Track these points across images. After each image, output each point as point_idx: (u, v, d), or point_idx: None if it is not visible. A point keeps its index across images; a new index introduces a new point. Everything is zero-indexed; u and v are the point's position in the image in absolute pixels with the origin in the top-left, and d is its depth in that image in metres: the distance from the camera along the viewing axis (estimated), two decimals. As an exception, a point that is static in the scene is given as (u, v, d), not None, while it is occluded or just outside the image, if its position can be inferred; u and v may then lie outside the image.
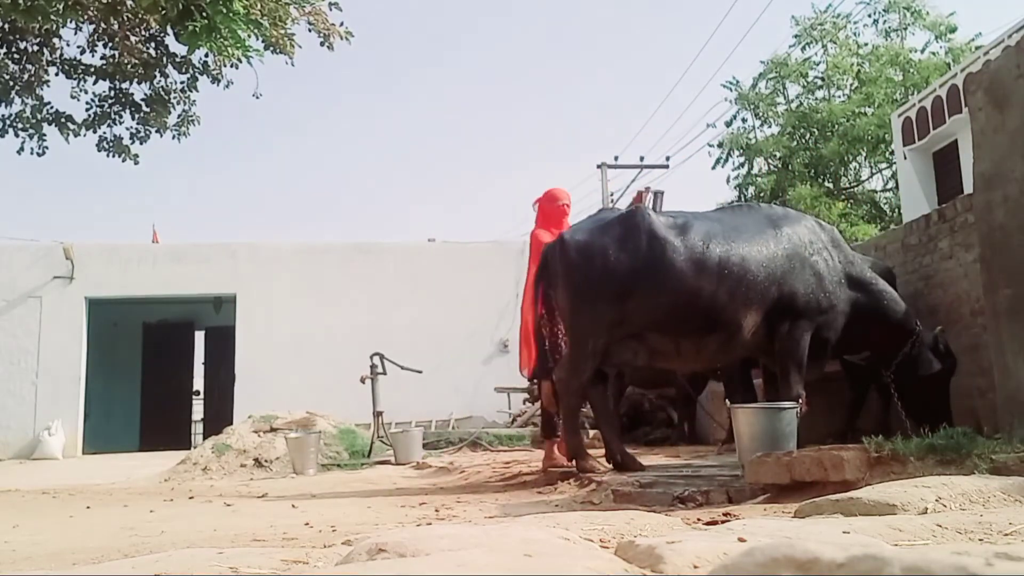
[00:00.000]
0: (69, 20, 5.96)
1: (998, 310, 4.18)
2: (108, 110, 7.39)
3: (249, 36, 5.10)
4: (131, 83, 7.30)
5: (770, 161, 18.36)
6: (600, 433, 6.08)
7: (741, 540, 1.77)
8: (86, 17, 6.24)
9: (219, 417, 12.90)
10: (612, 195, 19.78)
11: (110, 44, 7.18)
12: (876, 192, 18.28)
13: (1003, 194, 4.11)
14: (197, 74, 7.35)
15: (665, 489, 4.19)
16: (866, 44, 18.22)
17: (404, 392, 10.35)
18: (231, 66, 6.33)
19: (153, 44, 7.16)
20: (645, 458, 6.09)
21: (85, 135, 7.44)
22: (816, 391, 5.69)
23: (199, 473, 7.67)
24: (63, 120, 7.36)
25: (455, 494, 5.19)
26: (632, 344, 5.32)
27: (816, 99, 18.37)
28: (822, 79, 18.29)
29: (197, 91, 7.49)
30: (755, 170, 18.51)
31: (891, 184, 17.25)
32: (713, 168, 19.03)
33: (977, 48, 13.96)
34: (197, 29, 4.68)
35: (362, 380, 8.87)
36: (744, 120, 18.93)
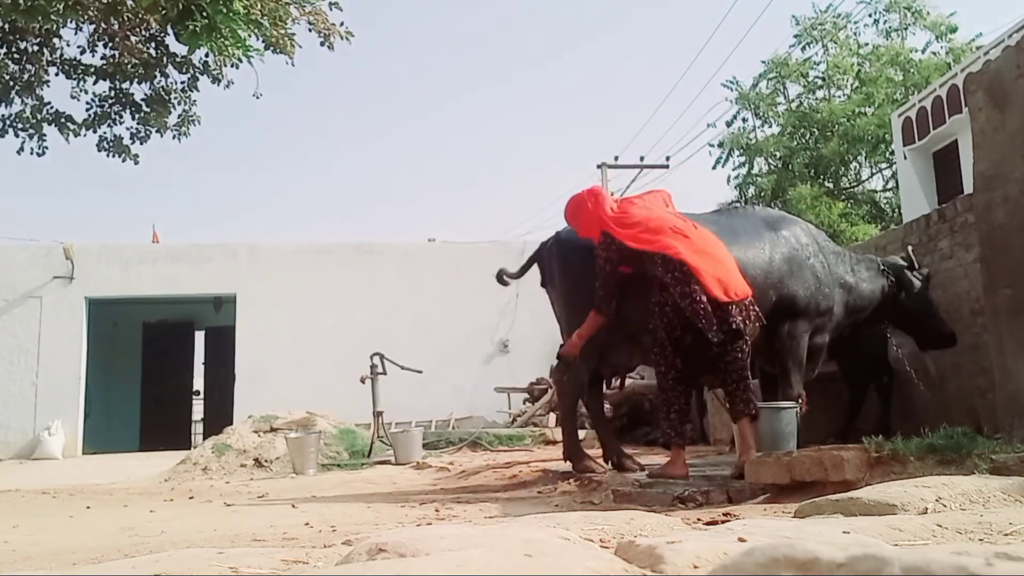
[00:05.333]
0: (69, 20, 5.96)
1: (998, 310, 4.18)
2: (108, 110, 7.38)
3: (249, 36, 5.10)
4: (131, 83, 7.29)
5: (770, 161, 18.35)
6: (597, 435, 6.08)
7: (741, 540, 1.77)
8: (86, 17, 6.24)
9: (219, 417, 12.90)
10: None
11: (110, 44, 7.18)
12: (876, 192, 18.27)
13: (1003, 194, 4.11)
14: (197, 74, 7.35)
15: (665, 489, 4.19)
16: (866, 44, 18.21)
17: (404, 392, 10.35)
18: (231, 66, 6.33)
19: (153, 44, 7.15)
20: (645, 458, 6.09)
21: (85, 135, 7.44)
22: (816, 391, 5.70)
23: (199, 473, 7.67)
24: (63, 120, 7.36)
25: (455, 494, 5.19)
26: (627, 345, 5.32)
27: (816, 99, 18.36)
28: (822, 79, 18.28)
29: (197, 91, 7.48)
30: (755, 170, 18.50)
31: (891, 184, 17.24)
32: (713, 168, 19.03)
33: (977, 48, 13.96)
34: (197, 29, 4.68)
35: (362, 380, 8.87)
36: (744, 120, 18.92)
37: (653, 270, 4.75)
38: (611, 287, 4.95)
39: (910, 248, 5.92)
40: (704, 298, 4.55)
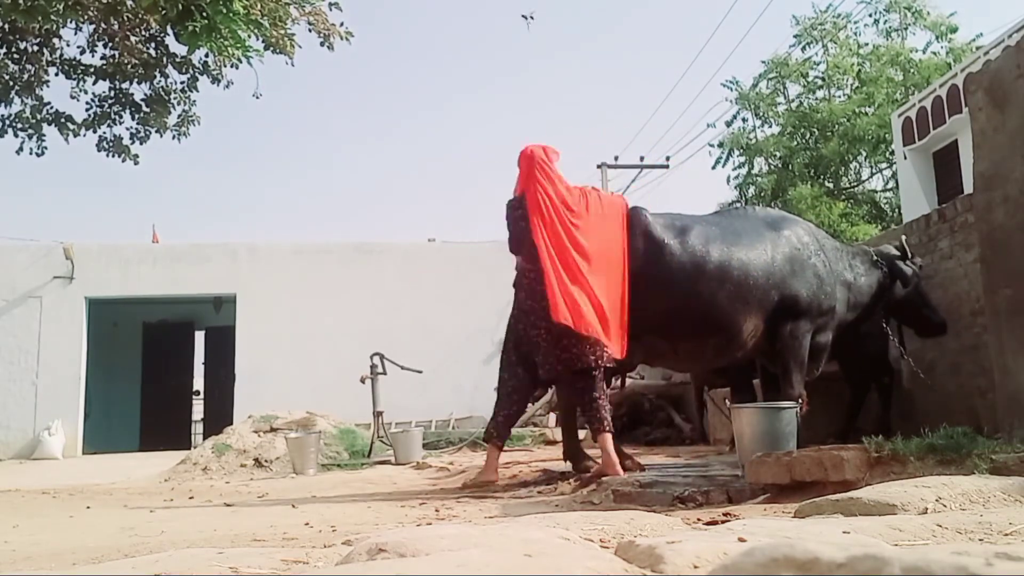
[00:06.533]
0: (69, 20, 5.96)
1: (998, 310, 4.18)
2: (108, 110, 7.38)
3: (249, 36, 5.10)
4: (131, 83, 7.29)
5: (770, 161, 18.35)
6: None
7: (741, 540, 1.77)
8: (86, 17, 6.24)
9: (219, 417, 12.89)
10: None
11: (110, 44, 7.18)
12: (876, 192, 18.27)
13: (1003, 194, 4.11)
14: (197, 74, 7.35)
15: (665, 489, 4.19)
16: (867, 44, 18.22)
17: (404, 392, 10.35)
18: (231, 66, 6.34)
19: (153, 44, 7.15)
20: (645, 458, 6.09)
21: (85, 135, 7.44)
22: (816, 391, 5.70)
23: (199, 473, 7.67)
24: (63, 120, 7.36)
25: (455, 494, 5.19)
26: (628, 345, 5.30)
27: (816, 99, 18.36)
28: (822, 79, 18.28)
29: (197, 91, 7.48)
30: (755, 170, 18.50)
31: (891, 184, 17.24)
32: (713, 168, 19.04)
33: (977, 48, 13.95)
34: (197, 29, 4.68)
35: (362, 380, 8.87)
36: (744, 120, 18.93)
37: (520, 282, 5.03)
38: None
39: (903, 238, 5.94)
40: (545, 335, 4.84)
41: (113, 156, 7.51)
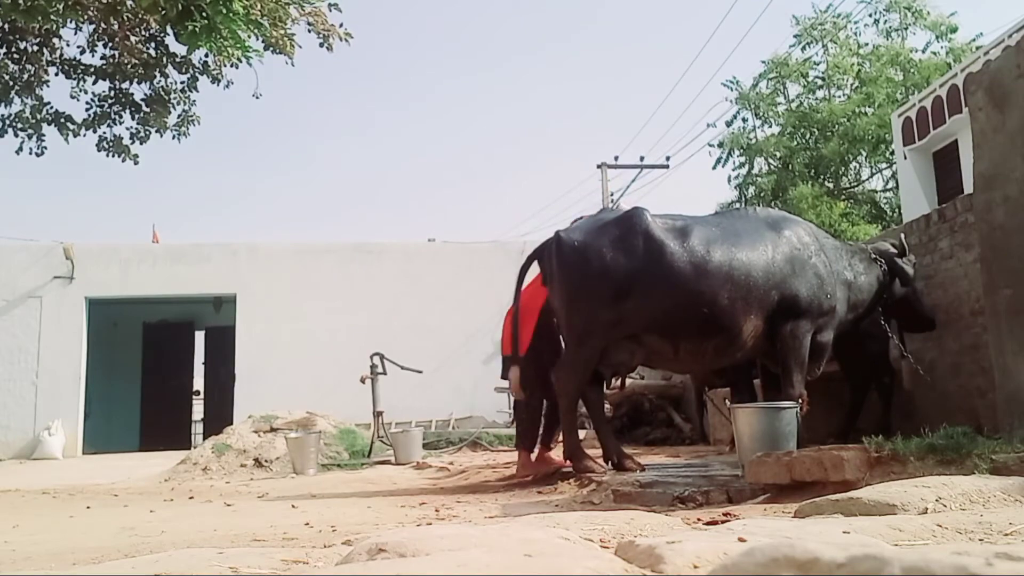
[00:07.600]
0: (69, 20, 5.96)
1: (998, 310, 4.18)
2: (108, 110, 7.38)
3: (249, 36, 5.10)
4: (131, 83, 7.29)
5: (771, 161, 18.34)
6: (597, 435, 6.07)
7: (741, 540, 1.77)
8: (86, 17, 6.24)
9: (219, 417, 12.89)
10: (612, 195, 19.81)
11: (110, 44, 7.18)
12: (876, 192, 18.26)
13: (1003, 194, 4.11)
14: (197, 74, 7.35)
15: (665, 489, 4.19)
16: (867, 44, 18.20)
17: (404, 392, 10.35)
18: (231, 66, 6.33)
19: (153, 44, 7.16)
20: (645, 458, 6.10)
21: (85, 135, 7.44)
22: (816, 391, 5.70)
23: (199, 473, 7.67)
24: (63, 120, 7.36)
25: (455, 494, 5.19)
26: (629, 345, 5.30)
27: (816, 99, 18.35)
28: (822, 79, 18.27)
29: (197, 91, 7.49)
30: (755, 170, 18.48)
31: (891, 184, 17.24)
32: (713, 168, 19.02)
33: (977, 48, 13.95)
34: (197, 29, 4.68)
35: (362, 380, 8.87)
36: (744, 120, 18.90)
37: None
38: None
39: (902, 235, 5.93)
40: None
41: (113, 156, 7.51)
